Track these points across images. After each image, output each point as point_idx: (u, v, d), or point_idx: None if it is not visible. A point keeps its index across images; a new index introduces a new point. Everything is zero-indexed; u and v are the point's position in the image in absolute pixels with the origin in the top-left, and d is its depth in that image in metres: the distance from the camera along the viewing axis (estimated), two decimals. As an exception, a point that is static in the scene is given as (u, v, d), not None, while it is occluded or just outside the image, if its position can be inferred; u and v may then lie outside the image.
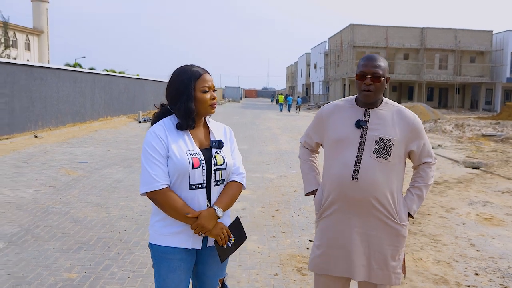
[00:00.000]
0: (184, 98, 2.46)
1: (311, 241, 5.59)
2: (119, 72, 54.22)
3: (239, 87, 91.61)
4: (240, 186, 2.65)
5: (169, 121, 2.53)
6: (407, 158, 2.86)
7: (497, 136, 19.19)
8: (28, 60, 59.75)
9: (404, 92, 56.20)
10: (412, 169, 2.96)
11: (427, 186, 2.84)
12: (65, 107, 19.49)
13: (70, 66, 56.44)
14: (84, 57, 70.29)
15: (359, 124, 2.73)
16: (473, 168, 11.97)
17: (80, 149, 13.23)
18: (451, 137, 19.93)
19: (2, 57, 39.66)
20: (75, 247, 5.20)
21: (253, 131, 21.43)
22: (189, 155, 2.44)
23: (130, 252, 5.07)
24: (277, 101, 54.78)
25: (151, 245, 2.54)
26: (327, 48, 64.75)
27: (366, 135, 2.72)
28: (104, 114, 24.19)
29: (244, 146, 15.38)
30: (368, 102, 2.76)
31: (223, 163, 2.54)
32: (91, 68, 52.15)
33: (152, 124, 2.58)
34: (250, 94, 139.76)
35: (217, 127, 2.72)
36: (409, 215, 2.83)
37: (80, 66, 60.67)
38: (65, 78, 19.49)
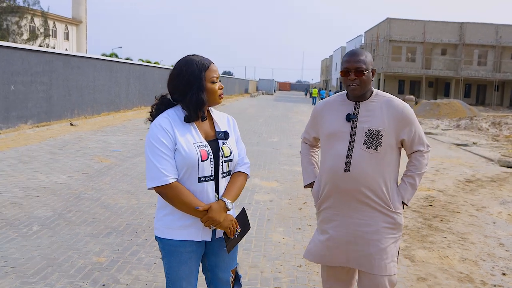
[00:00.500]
0: (195, 89, 2.43)
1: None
2: (154, 63, 54.85)
3: (273, 79, 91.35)
4: (245, 176, 2.65)
5: (173, 113, 2.49)
6: (401, 148, 2.90)
7: (536, 135, 18.66)
8: (66, 49, 61.05)
9: (440, 88, 55.12)
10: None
11: (420, 174, 2.87)
12: (101, 96, 19.89)
13: (107, 56, 57.45)
14: (121, 47, 71.24)
15: (349, 118, 2.80)
16: (508, 167, 11.70)
17: (114, 138, 13.51)
18: (487, 135, 19.50)
19: (41, 46, 40.67)
20: (104, 232, 5.36)
21: (285, 124, 21.43)
22: (197, 147, 2.41)
23: (158, 239, 5.18)
24: (311, 94, 54.61)
25: (160, 239, 2.52)
26: (363, 42, 63.98)
27: (356, 128, 2.78)
28: (138, 104, 24.58)
29: (275, 138, 15.43)
30: (356, 96, 2.81)
31: (230, 155, 2.53)
32: (127, 58, 52.95)
33: (152, 117, 2.54)
34: (284, 87, 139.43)
35: (221, 117, 2.68)
36: (403, 203, 2.86)
37: (116, 56, 61.66)
38: (101, 68, 19.88)
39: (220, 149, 2.51)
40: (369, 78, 2.78)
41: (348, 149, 2.77)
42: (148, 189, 2.43)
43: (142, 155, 10.71)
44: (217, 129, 2.58)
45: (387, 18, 52.19)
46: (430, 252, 5.20)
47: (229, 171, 2.57)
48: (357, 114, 2.80)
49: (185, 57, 2.53)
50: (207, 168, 2.44)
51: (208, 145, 2.47)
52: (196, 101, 2.44)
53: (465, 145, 15.84)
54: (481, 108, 44.60)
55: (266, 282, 4.25)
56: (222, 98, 2.56)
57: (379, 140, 2.74)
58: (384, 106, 2.80)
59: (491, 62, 52.16)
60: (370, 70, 2.78)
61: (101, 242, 5.04)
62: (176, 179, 2.39)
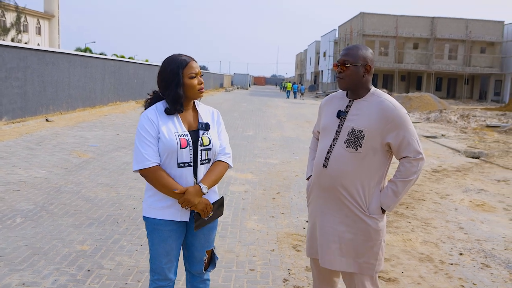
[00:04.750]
0: (174, 85, 2.71)
1: (307, 221, 5.93)
2: (129, 58, 54.50)
3: (248, 74, 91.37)
4: (225, 165, 2.90)
5: (161, 106, 2.78)
6: (390, 151, 2.82)
7: (501, 127, 19.36)
8: (38, 44, 60.11)
9: (412, 81, 56.16)
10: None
11: (405, 181, 2.73)
12: (76, 92, 19.86)
13: (81, 50, 56.82)
14: (94, 42, 70.55)
15: (339, 114, 2.83)
16: (473, 157, 12.23)
17: (90, 133, 13.62)
18: (455, 127, 20.14)
19: (13, 41, 40.04)
20: (86, 222, 5.58)
21: (259, 118, 21.72)
22: (177, 136, 2.69)
23: (138, 228, 5.44)
24: (285, 88, 55.18)
25: (145, 218, 2.82)
26: (336, 36, 64.62)
27: (342, 125, 2.80)
28: (113, 99, 24.55)
29: (250, 132, 15.72)
30: (342, 89, 2.86)
31: (209, 144, 2.79)
32: (101, 53, 52.51)
33: (145, 109, 2.83)
34: (259, 81, 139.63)
35: (206, 110, 2.95)
36: (383, 209, 2.81)
37: (90, 51, 61.03)
38: (76, 63, 19.85)
39: (200, 138, 2.77)
40: (356, 72, 2.75)
41: (330, 146, 2.81)
42: (133, 171, 2.72)
43: (120, 149, 10.89)
44: (199, 121, 2.85)
45: (361, 13, 52.90)
46: (395, 236, 5.57)
47: (209, 159, 2.83)
48: (347, 112, 2.81)
49: (169, 56, 2.81)
50: (186, 155, 2.71)
51: (188, 134, 2.74)
52: (173, 96, 2.72)
53: (434, 137, 16.39)
54: (451, 101, 45.69)
55: (242, 265, 4.55)
56: (202, 92, 2.83)
57: (360, 141, 2.70)
58: (374, 106, 2.74)
59: (461, 56, 53.37)
60: (359, 64, 2.74)
61: (83, 232, 5.27)
62: (157, 164, 2.68)
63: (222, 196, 2.98)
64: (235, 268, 4.47)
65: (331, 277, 3.10)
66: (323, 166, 2.82)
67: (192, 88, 2.75)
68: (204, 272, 3.01)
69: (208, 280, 3.10)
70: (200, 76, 2.80)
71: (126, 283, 4.04)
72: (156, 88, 2.91)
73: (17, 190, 6.89)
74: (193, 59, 2.80)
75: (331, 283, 3.13)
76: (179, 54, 2.81)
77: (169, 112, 2.74)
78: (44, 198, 6.53)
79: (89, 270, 4.26)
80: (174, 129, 2.72)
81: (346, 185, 2.76)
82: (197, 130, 2.81)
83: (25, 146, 10.74)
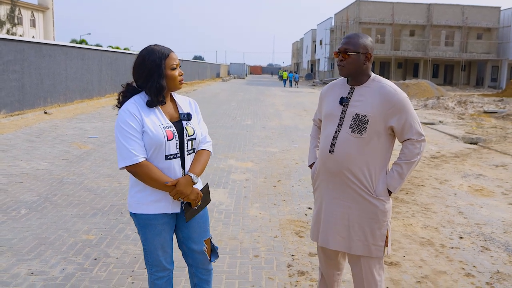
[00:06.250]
0: (156, 76, 2.66)
1: (309, 208, 6.02)
2: (124, 49, 54.32)
3: (244, 63, 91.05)
4: (208, 153, 2.92)
5: (139, 99, 2.71)
6: (393, 135, 2.90)
7: (499, 113, 19.45)
8: (33, 37, 59.81)
9: (409, 69, 56.14)
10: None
11: (409, 163, 2.83)
12: (73, 84, 19.84)
13: (77, 42, 56.57)
14: (90, 34, 70.29)
15: (341, 101, 2.89)
16: (471, 143, 12.31)
17: (89, 125, 13.64)
18: (453, 113, 20.20)
19: (8, 34, 39.85)
20: (91, 212, 5.64)
21: (257, 107, 21.75)
22: (162, 128, 2.65)
23: (142, 217, 5.49)
24: (281, 77, 55.30)
25: (134, 215, 2.77)
26: (333, 24, 64.46)
27: (346, 112, 2.86)
28: (110, 91, 24.54)
29: (248, 121, 15.76)
30: (343, 76, 2.91)
31: (193, 134, 2.79)
32: (97, 45, 52.34)
33: (120, 103, 2.76)
34: (255, 70, 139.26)
35: (183, 100, 2.92)
36: (389, 191, 2.88)
37: (86, 43, 60.78)
38: (73, 55, 19.80)
39: (184, 129, 2.76)
40: (357, 60, 2.81)
41: (335, 132, 2.86)
42: (120, 168, 2.65)
43: (120, 140, 10.91)
44: (180, 111, 2.83)
45: (357, 0, 52.71)
46: (396, 221, 5.64)
47: (193, 149, 2.82)
48: (350, 98, 2.86)
49: (147, 47, 2.76)
50: (173, 147, 2.69)
51: (173, 126, 2.72)
52: (156, 87, 2.65)
53: (432, 123, 16.45)
54: (448, 88, 45.73)
55: (246, 251, 4.62)
56: (182, 83, 2.81)
57: (364, 126, 2.77)
58: (376, 92, 2.81)
59: (457, 43, 53.32)
60: (360, 52, 2.81)
61: (88, 221, 5.33)
62: (145, 158, 2.64)
63: (207, 183, 2.99)
64: (240, 254, 4.54)
65: (337, 259, 3.17)
66: (329, 152, 2.87)
67: (173, 80, 2.72)
68: (209, 262, 3.01)
69: (212, 269, 3.10)
70: (179, 67, 2.79)
71: (133, 271, 4.10)
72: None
73: (20, 182, 6.94)
74: (172, 50, 2.77)
75: (337, 265, 3.20)
76: (156, 44, 2.77)
77: (151, 104, 2.68)
78: (47, 189, 6.58)
79: (95, 259, 4.32)
80: (158, 121, 2.68)
81: (352, 169, 2.82)
82: (180, 120, 2.80)
83: (25, 139, 10.76)
